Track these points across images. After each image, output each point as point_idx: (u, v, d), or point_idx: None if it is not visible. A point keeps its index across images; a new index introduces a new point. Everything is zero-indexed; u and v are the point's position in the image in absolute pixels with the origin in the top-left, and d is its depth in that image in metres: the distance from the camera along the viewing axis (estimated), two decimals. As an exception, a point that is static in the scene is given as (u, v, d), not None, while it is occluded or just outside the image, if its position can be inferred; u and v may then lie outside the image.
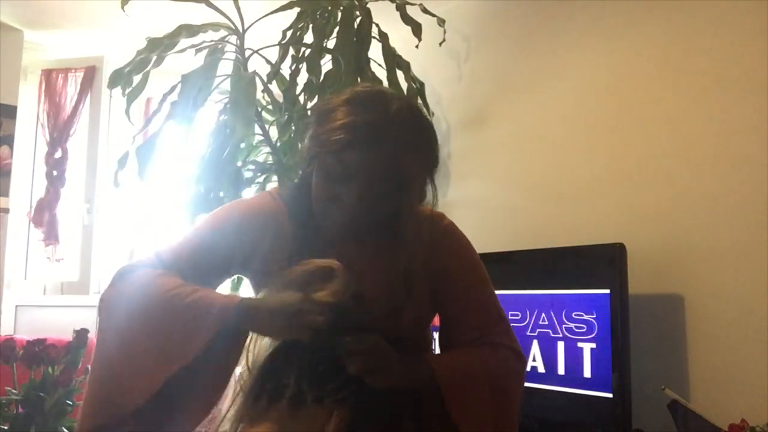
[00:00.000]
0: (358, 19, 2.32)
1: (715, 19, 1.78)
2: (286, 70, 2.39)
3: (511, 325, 1.16)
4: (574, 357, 1.79)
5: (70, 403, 1.91)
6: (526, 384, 1.16)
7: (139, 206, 3.22)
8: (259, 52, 2.32)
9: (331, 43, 2.32)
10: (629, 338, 1.69)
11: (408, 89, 2.38)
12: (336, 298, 0.92)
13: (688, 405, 1.53)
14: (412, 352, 1.01)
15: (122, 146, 2.47)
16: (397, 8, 2.38)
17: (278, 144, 2.34)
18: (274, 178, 2.34)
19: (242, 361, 1.00)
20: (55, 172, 3.23)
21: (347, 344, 0.90)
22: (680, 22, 1.87)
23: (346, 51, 2.22)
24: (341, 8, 2.33)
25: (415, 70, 2.47)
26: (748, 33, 1.70)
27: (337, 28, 2.30)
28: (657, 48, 1.93)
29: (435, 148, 1.04)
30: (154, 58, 2.28)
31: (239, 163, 2.30)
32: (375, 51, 2.33)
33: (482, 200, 2.52)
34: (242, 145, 2.29)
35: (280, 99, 2.37)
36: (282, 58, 2.37)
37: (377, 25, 2.36)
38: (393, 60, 2.35)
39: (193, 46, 2.28)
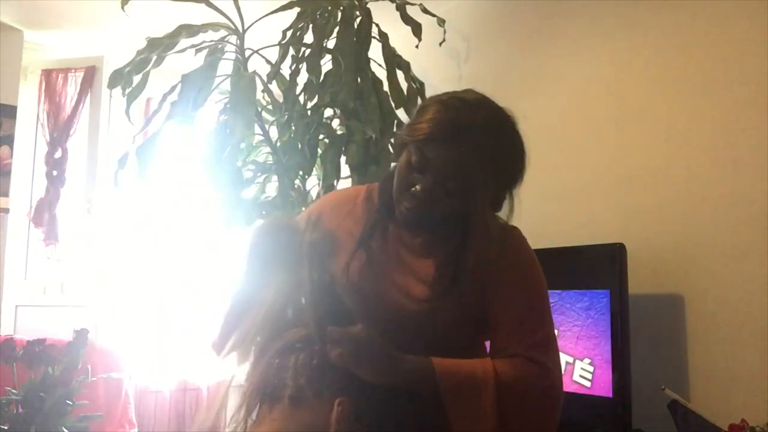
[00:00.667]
0: (358, 19, 2.32)
1: (715, 20, 1.78)
2: (286, 70, 2.39)
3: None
4: (574, 357, 1.79)
5: (70, 403, 1.91)
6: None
7: (139, 206, 3.22)
8: (259, 52, 2.32)
9: (331, 43, 2.31)
10: (629, 338, 1.69)
11: (408, 89, 2.37)
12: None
13: (688, 405, 1.53)
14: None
15: (122, 146, 2.47)
16: (397, 8, 2.38)
17: (278, 144, 2.33)
18: (274, 178, 2.33)
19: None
20: (55, 172, 3.23)
21: (329, 333, 0.93)
22: (680, 23, 1.87)
23: (346, 51, 2.22)
24: (341, 8, 2.33)
25: (415, 70, 2.46)
26: (748, 33, 1.70)
27: (337, 28, 2.30)
28: (657, 48, 1.93)
29: (516, 163, 1.06)
30: (154, 58, 2.27)
31: (239, 163, 2.29)
32: (375, 51, 2.33)
33: (482, 200, 2.51)
34: (242, 145, 2.29)
35: (280, 99, 2.37)
36: (282, 58, 2.37)
37: (377, 25, 2.36)
38: (393, 60, 2.35)
39: (193, 46, 2.28)
